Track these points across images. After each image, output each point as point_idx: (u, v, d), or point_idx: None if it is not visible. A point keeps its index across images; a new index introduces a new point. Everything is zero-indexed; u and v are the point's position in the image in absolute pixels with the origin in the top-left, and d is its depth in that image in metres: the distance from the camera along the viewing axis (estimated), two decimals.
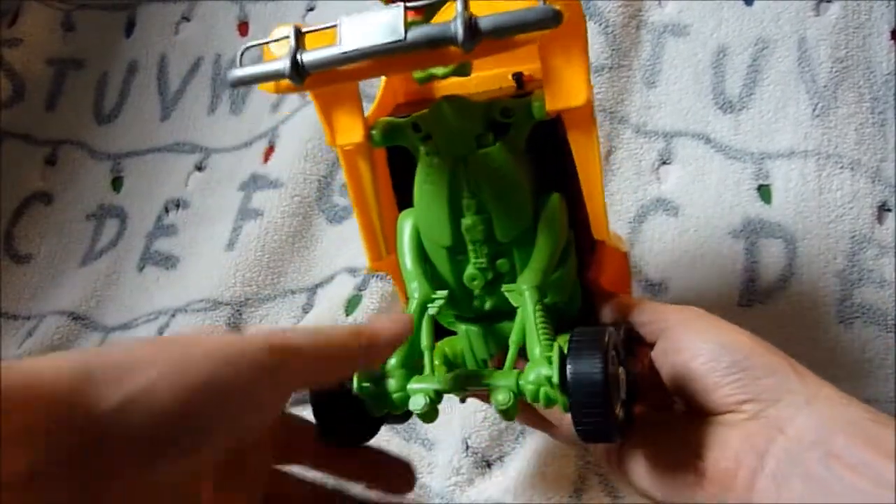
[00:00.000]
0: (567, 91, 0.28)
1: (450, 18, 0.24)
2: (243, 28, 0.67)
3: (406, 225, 0.34)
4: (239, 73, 0.26)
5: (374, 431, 0.33)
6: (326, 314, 0.52)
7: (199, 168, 0.64)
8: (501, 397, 0.29)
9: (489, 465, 0.44)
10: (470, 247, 0.32)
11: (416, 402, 0.30)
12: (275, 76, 0.25)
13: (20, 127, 0.68)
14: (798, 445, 0.28)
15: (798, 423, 0.28)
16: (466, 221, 0.32)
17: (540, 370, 0.29)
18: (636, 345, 0.34)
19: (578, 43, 0.28)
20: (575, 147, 0.31)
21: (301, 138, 0.59)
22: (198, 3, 0.68)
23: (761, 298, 0.47)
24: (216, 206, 0.62)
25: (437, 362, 0.34)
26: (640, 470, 0.31)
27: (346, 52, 0.24)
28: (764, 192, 0.50)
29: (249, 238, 0.57)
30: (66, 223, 0.65)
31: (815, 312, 0.46)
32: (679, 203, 0.51)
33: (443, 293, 0.33)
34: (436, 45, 0.23)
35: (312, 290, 0.56)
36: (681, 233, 0.50)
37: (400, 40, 0.23)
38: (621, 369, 0.30)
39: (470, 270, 0.33)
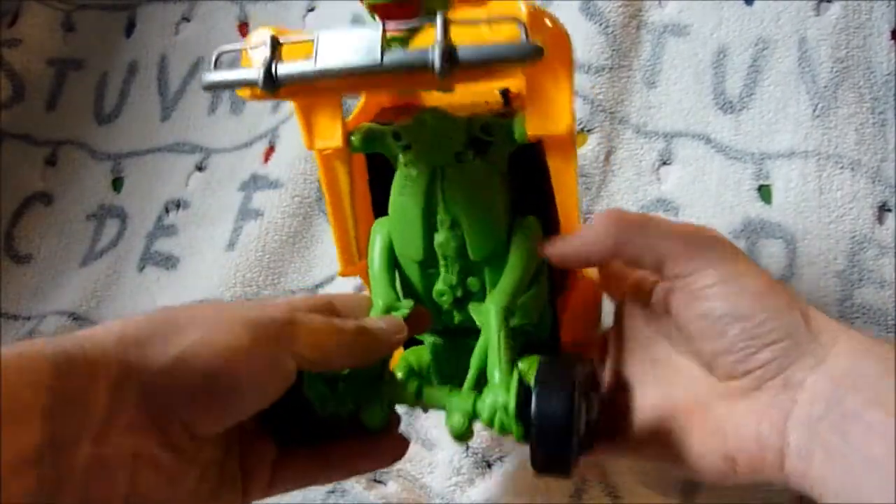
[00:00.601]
0: (549, 118, 0.27)
1: (429, 43, 0.23)
2: (244, 28, 0.67)
3: (379, 233, 0.34)
4: (212, 77, 0.25)
5: (321, 432, 0.32)
6: None
7: (200, 168, 0.64)
8: (455, 421, 0.29)
9: (489, 466, 0.44)
10: (441, 262, 0.32)
11: (372, 416, 0.31)
12: (248, 84, 0.24)
13: (20, 127, 0.68)
14: (811, 414, 0.27)
15: (808, 389, 0.27)
16: (439, 237, 0.31)
17: (497, 396, 0.28)
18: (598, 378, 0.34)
19: (564, 72, 0.27)
20: (553, 172, 0.30)
21: (301, 139, 0.58)
22: (198, 4, 0.68)
23: None
24: (216, 206, 0.62)
25: (399, 374, 0.34)
26: (675, 461, 0.31)
27: (320, 70, 0.23)
28: (764, 193, 0.50)
29: (250, 238, 0.57)
30: (66, 223, 0.65)
31: None
32: (679, 203, 0.51)
33: (408, 302, 0.33)
34: (412, 72, 0.23)
35: (313, 290, 0.56)
36: None
37: (376, 64, 0.22)
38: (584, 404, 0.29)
39: (439, 286, 0.33)
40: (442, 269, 0.32)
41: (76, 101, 0.69)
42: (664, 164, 0.53)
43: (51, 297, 0.63)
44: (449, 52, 0.22)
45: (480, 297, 0.32)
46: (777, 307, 0.28)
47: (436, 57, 0.22)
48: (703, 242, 0.29)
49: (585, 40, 0.54)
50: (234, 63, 0.26)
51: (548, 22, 0.25)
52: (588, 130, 0.53)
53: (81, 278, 0.62)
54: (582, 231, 0.30)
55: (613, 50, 0.54)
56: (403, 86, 0.29)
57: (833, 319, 0.29)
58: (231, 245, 0.58)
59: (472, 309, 0.32)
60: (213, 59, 0.26)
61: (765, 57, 0.53)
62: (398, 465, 0.43)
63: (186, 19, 0.69)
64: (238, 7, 0.67)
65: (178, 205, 0.63)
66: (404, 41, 0.24)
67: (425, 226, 0.31)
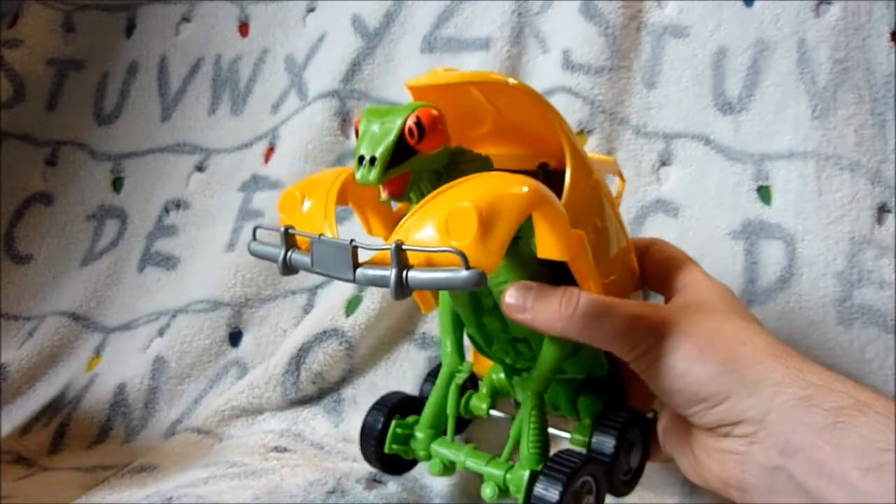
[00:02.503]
0: (550, 249, 0.29)
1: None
2: (244, 29, 0.67)
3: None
4: (255, 248, 0.32)
5: (411, 465, 0.41)
6: (327, 315, 0.52)
7: (200, 169, 0.64)
8: (488, 491, 0.34)
9: None
10: (492, 332, 0.36)
11: (433, 467, 0.37)
12: (275, 262, 0.31)
13: (20, 127, 0.68)
14: (765, 463, 0.29)
15: (758, 445, 0.29)
16: (484, 317, 0.35)
17: (521, 478, 0.33)
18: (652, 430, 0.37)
19: (555, 223, 0.29)
20: (575, 276, 0.32)
21: (301, 139, 0.59)
22: (198, 4, 0.68)
23: (761, 299, 0.47)
24: (217, 206, 0.62)
25: (484, 390, 0.41)
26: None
27: (315, 270, 0.29)
28: (764, 194, 0.50)
29: (250, 239, 0.57)
30: (66, 224, 0.65)
31: (815, 313, 0.47)
32: (679, 204, 0.51)
33: (468, 365, 0.38)
34: (377, 286, 0.27)
35: (313, 290, 0.56)
36: (681, 234, 0.50)
37: (349, 279, 0.27)
38: (591, 499, 0.33)
39: (495, 346, 0.36)
40: (494, 336, 0.36)
41: (76, 102, 0.69)
42: (664, 164, 0.53)
43: (51, 297, 0.63)
44: (400, 280, 0.26)
45: (533, 354, 0.35)
46: (709, 373, 0.30)
47: (391, 284, 0.26)
48: (638, 331, 0.31)
49: (585, 41, 0.54)
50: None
51: (516, 191, 0.27)
52: (588, 131, 0.53)
53: (81, 278, 0.62)
54: (542, 306, 0.31)
55: (613, 51, 0.54)
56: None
57: (776, 359, 0.30)
58: (231, 245, 0.58)
59: (515, 384, 0.38)
60: (253, 231, 0.33)
61: (764, 58, 0.53)
62: None
63: (186, 20, 0.69)
64: (238, 8, 0.67)
65: (178, 205, 0.63)
66: (402, 196, 0.30)
67: (473, 308, 0.35)
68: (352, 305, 0.52)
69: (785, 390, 0.28)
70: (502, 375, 0.40)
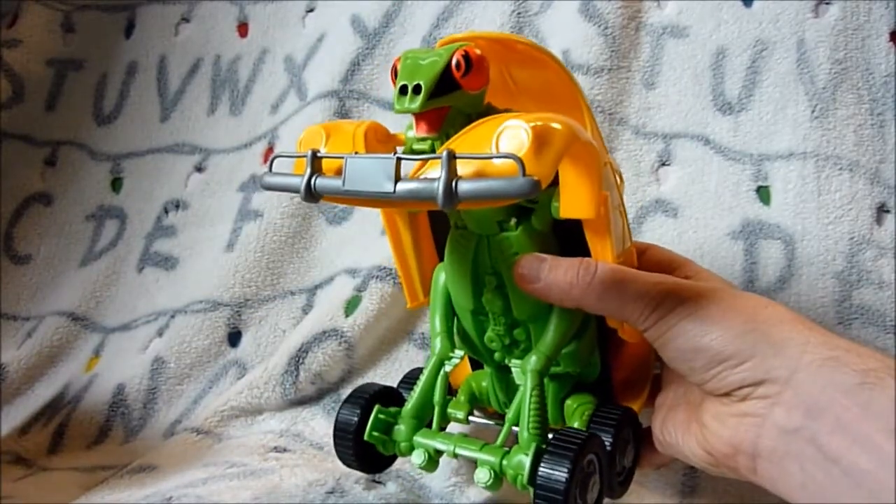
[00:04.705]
0: (577, 204, 0.29)
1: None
2: (243, 29, 0.67)
3: (440, 278, 0.36)
4: (269, 179, 0.30)
5: (387, 464, 0.39)
6: (326, 315, 0.52)
7: (199, 169, 0.64)
8: (481, 475, 0.32)
9: None
10: (489, 315, 0.35)
11: (418, 457, 0.34)
12: (294, 191, 0.28)
13: (20, 128, 0.68)
14: (786, 426, 0.28)
15: (784, 402, 0.28)
16: (486, 296, 0.34)
17: (521, 460, 0.31)
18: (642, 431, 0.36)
19: (590, 167, 0.29)
20: (591, 243, 0.32)
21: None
22: (197, 4, 0.68)
23: None
24: (216, 207, 0.62)
25: (462, 398, 0.39)
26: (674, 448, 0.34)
27: (346, 190, 0.27)
28: (763, 194, 0.50)
29: (249, 239, 0.57)
30: (65, 224, 0.65)
31: (814, 314, 0.47)
32: (678, 204, 0.51)
33: (459, 353, 0.36)
34: (419, 200, 0.25)
35: (312, 290, 0.56)
36: (680, 234, 0.50)
37: (389, 192, 0.25)
38: (596, 478, 0.31)
39: (489, 334, 0.35)
40: (490, 320, 0.35)
41: (76, 102, 0.69)
42: (663, 165, 0.53)
43: (50, 297, 0.63)
44: (450, 188, 0.24)
45: (527, 345, 0.34)
46: (733, 331, 0.29)
47: (439, 192, 0.24)
48: (657, 295, 0.31)
49: (584, 41, 0.54)
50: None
51: (556, 126, 0.26)
52: None
53: (81, 279, 0.62)
54: (557, 275, 0.31)
55: (612, 51, 0.54)
56: (415, 209, 0.34)
57: (799, 323, 0.30)
58: (230, 246, 0.58)
59: (512, 366, 0.35)
60: (269, 163, 0.31)
61: (763, 58, 0.53)
62: (397, 466, 0.43)
63: (186, 20, 0.69)
64: (237, 8, 0.67)
65: (177, 205, 0.63)
66: (437, 136, 0.29)
67: (474, 282, 0.34)
68: (351, 306, 0.52)
69: (812, 350, 0.28)
70: (484, 383, 0.38)
